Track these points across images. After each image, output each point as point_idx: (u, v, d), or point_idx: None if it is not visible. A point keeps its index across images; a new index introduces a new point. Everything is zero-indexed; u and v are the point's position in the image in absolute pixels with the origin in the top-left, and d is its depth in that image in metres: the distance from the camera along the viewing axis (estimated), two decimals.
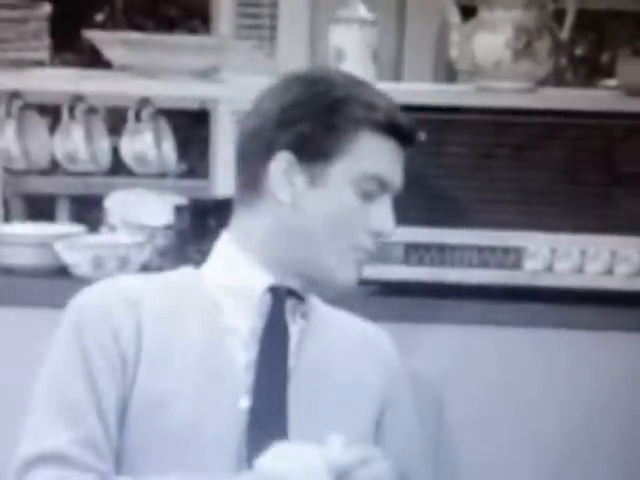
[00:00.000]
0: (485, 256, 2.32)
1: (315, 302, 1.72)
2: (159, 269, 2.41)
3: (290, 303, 1.66)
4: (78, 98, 2.57)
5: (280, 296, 1.64)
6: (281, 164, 1.58)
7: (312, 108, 1.58)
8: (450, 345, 2.32)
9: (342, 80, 1.64)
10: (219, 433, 1.57)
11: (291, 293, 1.65)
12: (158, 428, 1.55)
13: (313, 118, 1.58)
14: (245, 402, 1.58)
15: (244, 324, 1.63)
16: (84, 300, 1.64)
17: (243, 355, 1.61)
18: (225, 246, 1.69)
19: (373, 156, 1.59)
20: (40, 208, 3.60)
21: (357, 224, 1.60)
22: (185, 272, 1.72)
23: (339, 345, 1.72)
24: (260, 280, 1.63)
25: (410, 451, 1.78)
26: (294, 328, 1.66)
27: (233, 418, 1.57)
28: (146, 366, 1.57)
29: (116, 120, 2.96)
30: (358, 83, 1.64)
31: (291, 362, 1.64)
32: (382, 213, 1.62)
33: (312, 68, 1.86)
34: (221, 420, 1.57)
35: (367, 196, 1.60)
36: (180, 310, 1.63)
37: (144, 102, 2.59)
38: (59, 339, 1.62)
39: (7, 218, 2.90)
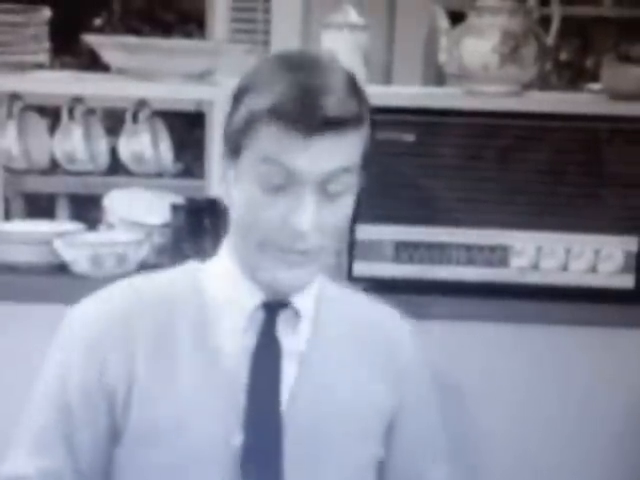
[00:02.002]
0: (473, 254, 2.36)
1: (323, 293, 1.65)
2: (156, 266, 2.43)
3: (285, 317, 1.59)
4: (77, 100, 2.60)
5: (272, 312, 1.58)
6: (221, 162, 1.55)
7: (232, 100, 1.51)
8: (439, 341, 2.33)
9: (262, 66, 1.50)
10: (212, 469, 1.53)
11: (285, 305, 1.58)
12: (151, 461, 1.53)
13: (230, 111, 1.51)
14: (238, 438, 1.53)
15: (239, 343, 1.57)
16: (75, 325, 1.60)
17: (238, 380, 1.56)
18: (223, 251, 1.64)
19: (273, 145, 1.44)
20: (40, 207, 3.58)
21: (266, 219, 1.47)
22: (184, 279, 1.64)
23: (345, 351, 1.64)
24: (250, 296, 1.57)
25: (427, 451, 1.74)
26: (292, 343, 1.59)
27: (226, 455, 1.53)
28: (139, 398, 1.54)
29: (114, 121, 2.95)
30: (279, 67, 1.47)
31: (286, 392, 1.57)
32: (292, 206, 1.46)
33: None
34: (214, 456, 1.53)
35: (276, 189, 1.46)
36: (174, 333, 1.57)
37: (141, 104, 2.61)
38: (49, 360, 1.60)
39: (8, 216, 2.89)
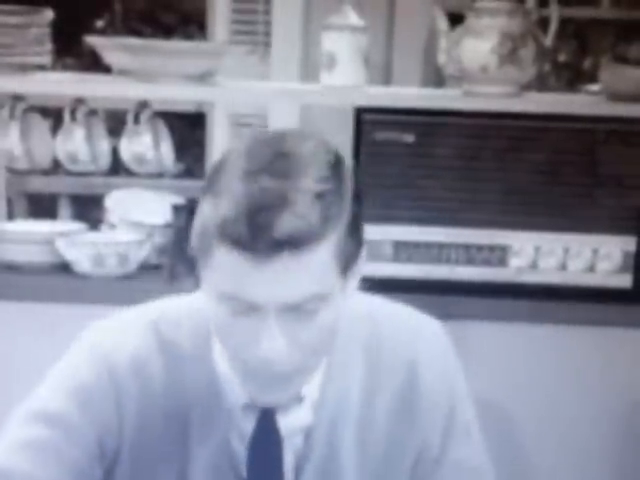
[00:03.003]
0: (472, 254, 2.38)
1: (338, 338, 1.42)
2: (157, 266, 2.46)
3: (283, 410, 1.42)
4: (79, 101, 2.63)
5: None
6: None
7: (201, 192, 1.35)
8: None
9: (227, 158, 1.30)
10: None
11: None
12: None
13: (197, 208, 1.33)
14: None
15: (247, 424, 1.43)
16: (81, 357, 1.45)
17: (240, 461, 1.43)
18: None
19: (226, 272, 1.26)
20: (42, 207, 3.58)
21: (235, 342, 1.32)
22: (198, 328, 1.45)
23: (357, 403, 1.46)
24: (238, 392, 1.42)
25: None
26: (296, 419, 1.43)
27: None
28: (126, 466, 1.42)
29: (116, 122, 2.97)
30: (240, 166, 1.27)
31: (290, 467, 1.44)
32: (258, 331, 1.28)
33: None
34: None
35: (240, 313, 1.28)
36: (182, 404, 1.42)
37: (143, 105, 2.64)
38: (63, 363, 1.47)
39: (10, 216, 2.91)
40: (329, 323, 1.31)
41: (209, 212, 1.26)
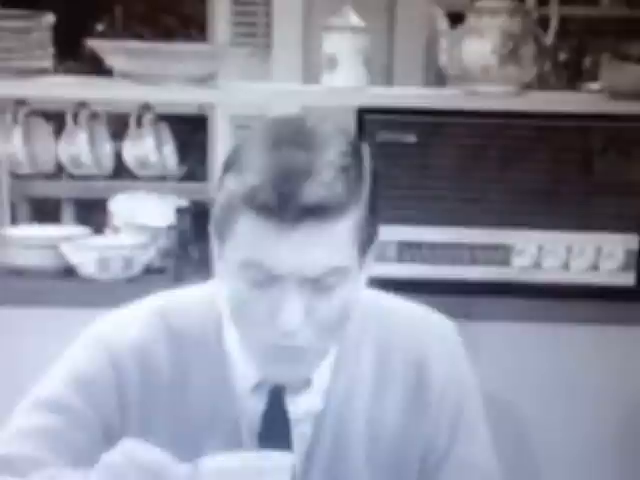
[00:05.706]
0: (475, 254, 2.38)
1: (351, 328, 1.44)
2: (162, 269, 2.47)
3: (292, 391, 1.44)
4: (81, 104, 2.63)
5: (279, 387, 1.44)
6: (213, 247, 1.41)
7: (220, 176, 1.36)
8: None
9: (250, 137, 1.36)
10: None
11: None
12: None
13: (217, 189, 1.36)
14: None
15: (250, 399, 1.45)
16: (83, 351, 1.47)
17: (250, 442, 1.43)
18: None
19: (250, 239, 1.30)
20: (45, 211, 3.59)
21: (253, 316, 1.33)
22: (207, 312, 1.48)
23: (367, 393, 1.48)
24: (248, 374, 1.44)
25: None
26: (305, 403, 1.45)
27: None
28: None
29: (118, 125, 2.97)
30: (263, 142, 1.32)
31: (301, 455, 1.45)
32: (277, 303, 1.30)
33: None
34: None
35: (260, 284, 1.31)
36: (187, 386, 1.44)
37: (145, 108, 2.65)
38: (73, 351, 1.50)
39: (14, 221, 2.91)
40: (345, 301, 1.34)
41: (234, 184, 1.30)
